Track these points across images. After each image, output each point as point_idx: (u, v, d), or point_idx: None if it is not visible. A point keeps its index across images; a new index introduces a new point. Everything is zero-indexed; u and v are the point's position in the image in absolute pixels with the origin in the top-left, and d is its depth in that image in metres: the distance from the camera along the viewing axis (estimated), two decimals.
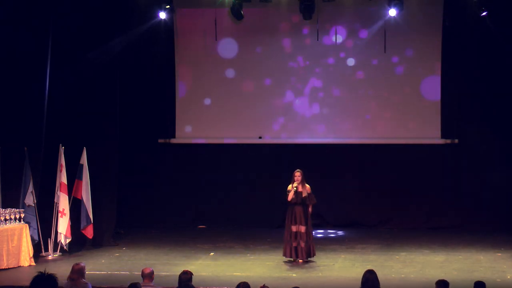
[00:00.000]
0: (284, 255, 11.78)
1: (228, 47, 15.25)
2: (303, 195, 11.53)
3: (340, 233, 14.51)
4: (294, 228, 11.60)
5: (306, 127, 15.29)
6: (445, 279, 7.66)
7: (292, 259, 11.69)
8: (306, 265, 11.56)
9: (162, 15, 14.47)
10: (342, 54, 15.15)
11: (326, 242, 13.80)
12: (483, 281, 7.58)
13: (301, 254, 11.63)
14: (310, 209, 11.74)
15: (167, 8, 14.37)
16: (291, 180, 11.62)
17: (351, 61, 15.13)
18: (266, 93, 15.34)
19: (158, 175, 15.65)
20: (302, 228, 11.58)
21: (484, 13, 13.66)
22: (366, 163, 15.32)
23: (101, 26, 13.43)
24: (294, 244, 11.62)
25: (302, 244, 11.61)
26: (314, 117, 15.25)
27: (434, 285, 7.56)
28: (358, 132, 15.15)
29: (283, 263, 11.71)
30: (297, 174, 11.59)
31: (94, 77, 13.44)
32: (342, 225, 15.16)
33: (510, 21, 14.32)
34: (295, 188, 11.51)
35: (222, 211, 15.56)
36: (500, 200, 14.85)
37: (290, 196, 11.54)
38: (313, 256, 11.81)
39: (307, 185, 11.63)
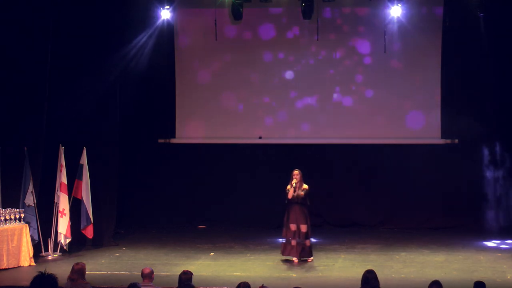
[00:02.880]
0: (282, 253, 11.81)
1: (228, 47, 15.26)
2: (301, 194, 11.58)
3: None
4: (293, 227, 11.64)
5: (306, 127, 15.27)
6: (445, 279, 7.65)
7: (290, 257, 11.71)
8: (306, 265, 11.57)
9: (163, 14, 14.49)
10: (342, 54, 15.15)
11: (326, 242, 13.79)
12: (483, 281, 7.58)
13: (300, 253, 11.66)
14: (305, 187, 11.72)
15: (168, 8, 14.38)
16: (290, 180, 11.67)
17: (351, 61, 15.13)
18: (266, 93, 15.34)
19: (158, 175, 15.64)
20: (303, 227, 11.62)
21: (482, 14, 13.65)
22: (366, 163, 15.31)
23: (101, 25, 13.41)
24: (293, 243, 11.65)
25: (307, 243, 11.67)
26: (314, 117, 15.24)
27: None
28: (358, 132, 15.14)
29: (283, 263, 11.72)
30: (296, 173, 11.67)
31: (94, 76, 13.43)
32: (342, 225, 15.16)
33: (509, 21, 14.32)
34: (294, 185, 11.55)
35: (222, 211, 15.55)
36: (499, 200, 14.85)
37: (290, 194, 11.59)
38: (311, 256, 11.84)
39: (305, 185, 11.67)
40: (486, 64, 14.65)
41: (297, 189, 11.58)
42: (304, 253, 11.76)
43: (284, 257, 11.84)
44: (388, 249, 13.03)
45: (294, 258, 11.70)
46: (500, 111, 14.80)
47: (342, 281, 10.51)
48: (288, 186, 11.66)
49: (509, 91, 14.64)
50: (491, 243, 13.47)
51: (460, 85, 14.88)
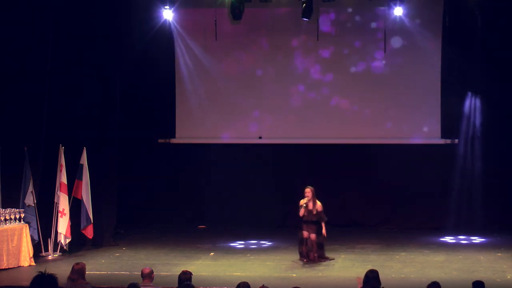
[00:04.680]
0: (300, 253, 11.90)
1: (228, 47, 15.26)
2: (313, 213, 11.60)
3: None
4: (305, 234, 11.70)
5: (306, 127, 15.26)
6: (445, 279, 7.65)
7: (304, 260, 11.79)
8: (306, 265, 11.57)
9: (164, 15, 14.48)
10: (342, 54, 15.14)
11: (326, 242, 13.79)
12: (483, 281, 7.57)
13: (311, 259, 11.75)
14: (323, 229, 11.67)
15: (167, 8, 14.39)
16: (304, 197, 11.70)
17: (351, 61, 15.13)
18: (266, 93, 15.34)
19: (158, 175, 15.64)
20: (313, 236, 11.67)
21: (481, 14, 13.68)
22: (366, 163, 15.30)
23: (102, 25, 13.41)
24: (305, 250, 11.73)
25: (314, 253, 11.71)
26: (314, 117, 15.23)
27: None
28: (358, 132, 15.13)
29: (283, 263, 11.72)
30: (307, 191, 11.67)
31: (94, 77, 13.44)
32: (342, 225, 15.15)
33: (509, 20, 14.33)
34: (305, 205, 11.56)
35: (222, 211, 15.55)
36: (500, 200, 14.86)
37: (301, 212, 11.62)
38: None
39: (318, 202, 11.67)
40: (486, 63, 14.65)
41: (309, 208, 11.58)
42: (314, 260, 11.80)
43: (296, 258, 11.90)
44: (388, 249, 13.03)
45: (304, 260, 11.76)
46: (500, 111, 14.80)
47: (342, 281, 10.50)
48: (301, 201, 11.66)
49: (510, 91, 14.64)
50: (491, 242, 13.51)
51: (460, 85, 14.88)
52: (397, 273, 10.98)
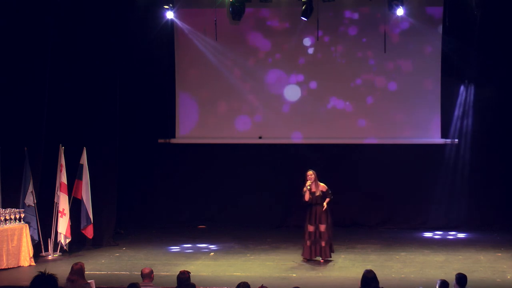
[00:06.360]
0: (302, 255, 11.83)
1: (228, 47, 15.26)
2: (317, 194, 11.57)
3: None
4: (311, 228, 11.64)
5: (306, 127, 15.27)
6: (445, 279, 7.64)
7: (311, 259, 11.73)
8: (306, 265, 11.57)
9: (166, 15, 14.47)
10: (342, 54, 15.15)
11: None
12: (483, 281, 7.56)
13: (322, 253, 11.68)
14: (325, 205, 11.62)
15: (167, 8, 14.39)
16: (304, 181, 11.68)
17: (351, 61, 15.13)
18: (266, 93, 15.34)
19: (158, 175, 15.65)
20: (322, 227, 11.62)
21: (481, 14, 13.69)
22: (366, 163, 15.31)
23: (102, 25, 13.41)
24: (308, 244, 11.67)
25: (323, 243, 11.65)
26: (314, 117, 15.24)
27: (436, 285, 7.53)
28: (358, 132, 15.14)
29: (283, 263, 11.71)
30: (309, 173, 11.67)
31: (94, 76, 13.44)
32: (342, 225, 15.15)
33: (509, 20, 14.33)
34: (308, 187, 11.56)
35: (222, 211, 15.56)
36: (499, 200, 14.87)
37: (307, 196, 11.59)
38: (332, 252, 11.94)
39: (321, 184, 11.66)
40: (486, 63, 14.66)
41: (312, 190, 11.58)
42: (323, 253, 11.72)
43: (302, 258, 11.86)
44: (388, 249, 13.03)
45: (321, 260, 11.70)
46: (500, 111, 14.80)
47: (342, 281, 10.50)
48: (304, 188, 11.65)
49: (509, 91, 14.65)
50: (491, 242, 13.51)
51: (460, 84, 14.89)
52: (397, 273, 10.98)
